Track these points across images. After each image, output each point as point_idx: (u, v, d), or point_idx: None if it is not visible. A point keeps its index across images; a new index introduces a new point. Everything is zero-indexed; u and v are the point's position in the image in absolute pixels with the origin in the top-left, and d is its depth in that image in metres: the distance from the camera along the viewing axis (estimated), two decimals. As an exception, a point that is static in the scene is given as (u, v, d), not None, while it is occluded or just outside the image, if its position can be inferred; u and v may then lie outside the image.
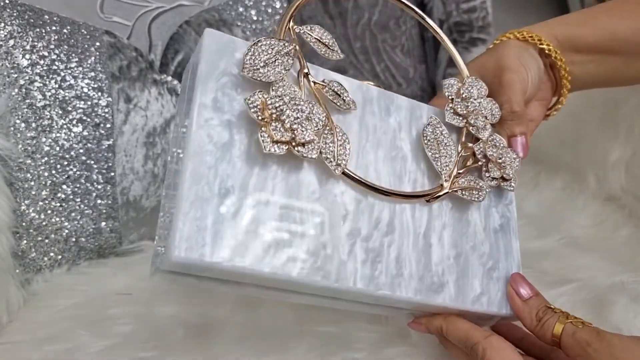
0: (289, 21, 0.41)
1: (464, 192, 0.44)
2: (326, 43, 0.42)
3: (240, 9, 0.80)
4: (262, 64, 0.37)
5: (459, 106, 0.46)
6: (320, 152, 0.38)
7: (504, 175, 0.45)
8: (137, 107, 0.66)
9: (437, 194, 0.43)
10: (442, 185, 0.43)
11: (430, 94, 1.20)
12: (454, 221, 0.44)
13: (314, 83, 0.40)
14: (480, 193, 0.44)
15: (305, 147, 0.37)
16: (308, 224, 0.37)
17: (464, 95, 0.46)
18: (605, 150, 0.74)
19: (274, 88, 0.37)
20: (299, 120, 0.36)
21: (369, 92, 0.43)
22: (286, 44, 0.39)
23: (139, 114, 0.66)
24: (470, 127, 0.45)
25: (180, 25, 0.77)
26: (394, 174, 0.43)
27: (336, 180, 0.39)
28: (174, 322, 0.52)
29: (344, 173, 0.39)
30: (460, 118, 0.46)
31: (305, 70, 0.40)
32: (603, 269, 0.61)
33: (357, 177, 0.40)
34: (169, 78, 0.75)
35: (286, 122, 0.36)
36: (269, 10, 0.82)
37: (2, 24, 0.59)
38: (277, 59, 0.38)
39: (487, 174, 0.45)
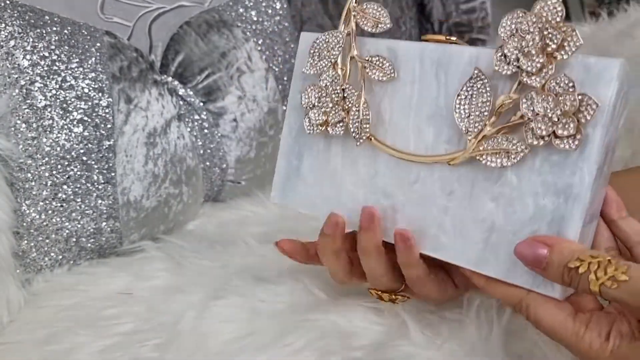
0: (349, 9, 0.45)
1: (485, 157, 0.39)
2: (374, 17, 0.45)
3: (241, 10, 0.80)
4: (319, 59, 0.46)
5: (510, 47, 0.37)
6: (349, 128, 0.44)
7: (557, 131, 0.36)
8: (137, 108, 0.66)
9: (456, 159, 0.40)
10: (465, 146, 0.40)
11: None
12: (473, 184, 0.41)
13: (359, 61, 0.44)
14: (505, 159, 0.38)
15: (336, 126, 0.45)
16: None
17: (522, 29, 0.37)
18: (604, 150, 0.74)
19: (320, 79, 0.45)
20: (331, 105, 0.45)
21: (423, 57, 0.42)
22: (337, 35, 0.45)
23: (140, 114, 0.66)
24: (522, 74, 0.37)
25: (181, 26, 0.78)
26: (429, 137, 0.42)
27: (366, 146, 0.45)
28: (173, 321, 0.52)
29: (371, 139, 0.44)
30: (510, 64, 0.37)
31: (352, 53, 0.45)
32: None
33: (380, 142, 0.44)
34: (170, 79, 0.75)
35: (322, 108, 0.45)
36: (269, 11, 0.82)
37: (3, 25, 0.59)
38: (328, 51, 0.45)
39: (530, 130, 0.37)
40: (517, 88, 0.37)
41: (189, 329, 0.50)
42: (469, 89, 0.40)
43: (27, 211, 0.60)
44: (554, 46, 0.36)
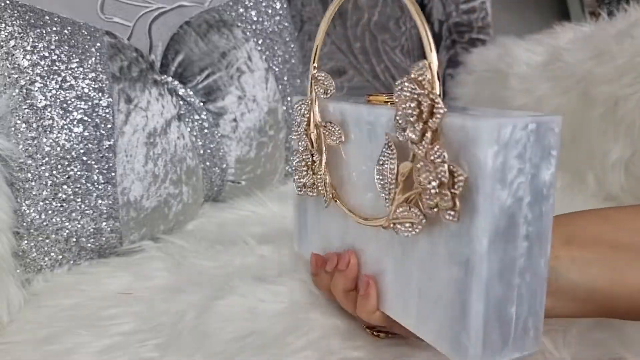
0: (312, 73, 0.47)
1: (397, 225, 0.38)
2: (323, 84, 0.46)
3: (241, 10, 0.80)
4: (296, 126, 0.49)
5: (399, 114, 0.35)
6: (318, 190, 0.47)
7: (439, 203, 0.33)
8: (137, 108, 0.66)
9: (379, 222, 0.39)
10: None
11: (430, 94, 1.21)
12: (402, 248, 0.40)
13: (319, 127, 0.47)
14: (410, 228, 0.36)
15: (310, 189, 0.49)
16: None
17: (404, 95, 0.35)
18: (604, 150, 0.74)
19: (299, 144, 0.48)
20: (305, 169, 0.48)
21: (360, 120, 0.43)
22: (305, 102, 0.47)
23: (140, 114, 0.66)
24: (410, 142, 0.35)
25: (181, 25, 0.78)
26: (370, 200, 0.43)
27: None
28: (173, 321, 0.52)
29: (336, 201, 0.46)
30: (402, 131, 0.35)
31: (314, 120, 0.47)
32: (602, 269, 0.61)
33: (340, 205, 0.46)
34: (170, 79, 0.75)
35: (300, 172, 0.49)
36: (269, 11, 0.82)
37: (3, 25, 0.59)
38: (301, 117, 0.48)
39: (422, 201, 0.35)
40: (412, 156, 0.35)
41: (189, 329, 0.50)
42: (384, 154, 0.38)
43: (27, 211, 0.60)
44: (426, 114, 0.33)
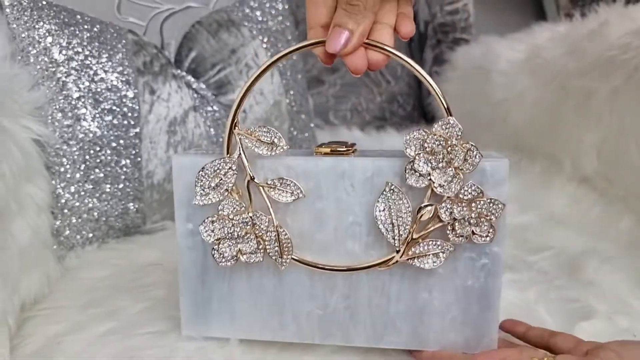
0: (230, 133, 0.44)
1: (417, 260, 0.43)
2: (267, 141, 0.43)
3: (247, 10, 0.86)
4: (210, 189, 0.44)
5: (421, 163, 0.42)
6: (267, 253, 0.45)
7: (475, 230, 0.42)
8: (160, 99, 0.72)
9: (389, 264, 0.44)
10: (397, 252, 0.44)
11: (416, 89, 1.28)
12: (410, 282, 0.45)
13: (261, 186, 0.44)
14: (436, 259, 0.43)
15: (253, 255, 0.45)
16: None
17: (428, 149, 0.41)
18: (579, 137, 0.82)
19: (220, 208, 0.44)
20: (243, 234, 0.44)
21: (327, 172, 0.44)
22: (226, 161, 0.44)
23: (162, 104, 0.72)
24: (434, 186, 0.42)
25: (193, 24, 0.84)
26: (351, 248, 0.45)
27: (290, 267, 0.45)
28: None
29: (296, 260, 0.45)
30: (423, 178, 0.42)
31: (248, 178, 0.44)
32: (577, 239, 0.69)
33: (306, 262, 0.45)
34: (184, 73, 0.81)
35: (232, 239, 0.44)
36: (273, 12, 0.89)
37: (41, 23, 0.65)
38: (221, 178, 0.44)
39: (453, 233, 0.43)
40: (430, 197, 0.42)
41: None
42: (385, 200, 0.43)
43: (62, 193, 0.66)
44: (460, 162, 0.41)
